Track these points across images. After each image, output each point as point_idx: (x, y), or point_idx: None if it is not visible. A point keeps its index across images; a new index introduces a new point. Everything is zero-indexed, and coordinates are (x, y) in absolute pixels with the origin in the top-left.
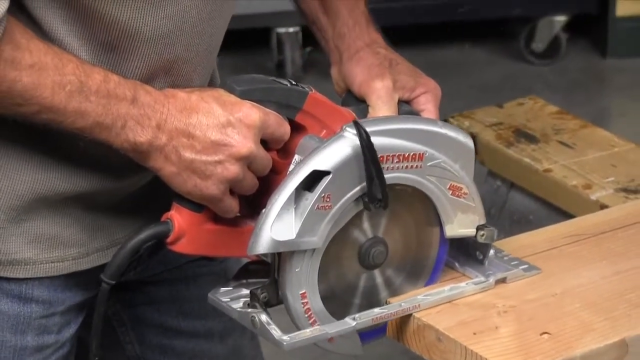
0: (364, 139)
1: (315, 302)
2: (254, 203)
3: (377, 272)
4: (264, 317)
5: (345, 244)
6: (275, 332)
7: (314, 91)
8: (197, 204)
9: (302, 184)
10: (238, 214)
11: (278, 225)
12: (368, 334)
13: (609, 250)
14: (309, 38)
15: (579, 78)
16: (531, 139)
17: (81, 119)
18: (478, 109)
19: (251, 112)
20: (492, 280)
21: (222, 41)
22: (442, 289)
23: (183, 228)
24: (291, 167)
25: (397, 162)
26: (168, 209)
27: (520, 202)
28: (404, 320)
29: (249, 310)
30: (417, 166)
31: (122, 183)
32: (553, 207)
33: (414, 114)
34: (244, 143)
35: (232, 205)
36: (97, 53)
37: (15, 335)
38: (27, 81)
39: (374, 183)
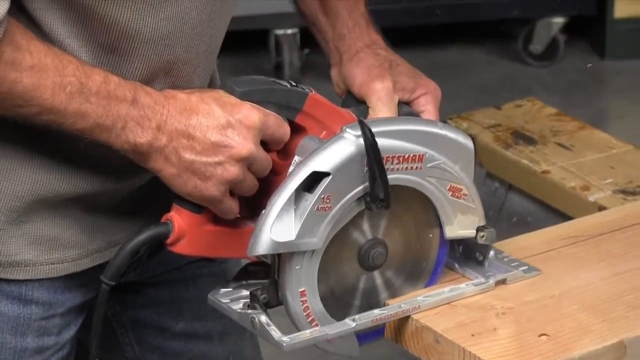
0: (369, 138)
1: (315, 303)
2: (253, 204)
3: (376, 274)
4: (263, 318)
5: (345, 245)
6: (275, 333)
7: (313, 92)
8: (197, 205)
9: (302, 185)
10: (238, 215)
11: (278, 227)
12: (365, 335)
13: (607, 252)
14: (307, 40)
15: (577, 80)
16: (529, 140)
17: (81, 120)
18: (476, 110)
19: (251, 113)
20: (492, 281)
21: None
22: (442, 290)
23: (183, 229)
24: (291, 168)
25: (397, 163)
26: (167, 210)
27: (519, 203)
28: (402, 321)
29: (249, 311)
30: (417, 167)
31: (122, 184)
32: (551, 209)
33: (414, 115)
34: (244, 144)
35: (232, 207)
36: (97, 54)
37: (15, 336)
38: (27, 82)
39: (377, 183)
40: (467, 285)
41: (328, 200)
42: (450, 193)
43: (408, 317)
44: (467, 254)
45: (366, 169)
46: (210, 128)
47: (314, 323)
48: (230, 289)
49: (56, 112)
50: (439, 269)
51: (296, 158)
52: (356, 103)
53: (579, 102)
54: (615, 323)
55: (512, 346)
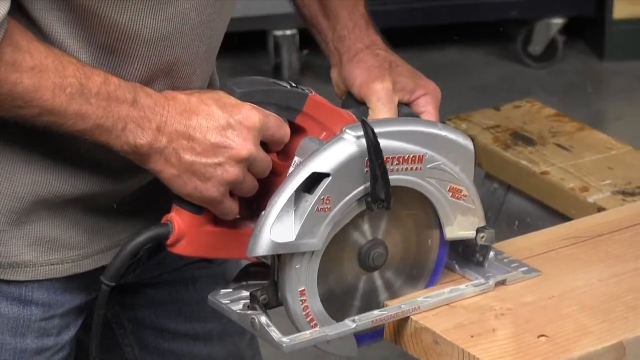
0: (371, 138)
1: (315, 304)
2: (253, 205)
3: (376, 274)
4: (263, 319)
5: (345, 246)
6: (275, 334)
7: (313, 93)
8: (197, 206)
9: (301, 186)
10: (238, 216)
11: (278, 227)
12: (364, 336)
13: (606, 253)
14: (306, 41)
15: (576, 80)
16: (528, 141)
17: (81, 121)
18: (475, 111)
19: (251, 114)
20: (491, 282)
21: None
22: (442, 291)
23: (183, 230)
24: (291, 169)
25: (397, 164)
26: (167, 210)
27: (518, 204)
28: (402, 323)
29: (249, 312)
30: (417, 168)
31: (122, 185)
32: (550, 210)
33: (414, 116)
34: (244, 145)
35: (232, 207)
36: (96, 55)
37: (15, 337)
38: (28, 83)
39: (378, 183)
40: (467, 286)
41: (328, 201)
42: (450, 194)
43: (407, 318)
44: (467, 255)
45: (366, 169)
46: (210, 129)
47: (314, 324)
48: (230, 290)
49: (56, 113)
50: (438, 270)
51: (296, 159)
52: (356, 104)
53: (578, 103)
54: (614, 324)
55: (511, 347)
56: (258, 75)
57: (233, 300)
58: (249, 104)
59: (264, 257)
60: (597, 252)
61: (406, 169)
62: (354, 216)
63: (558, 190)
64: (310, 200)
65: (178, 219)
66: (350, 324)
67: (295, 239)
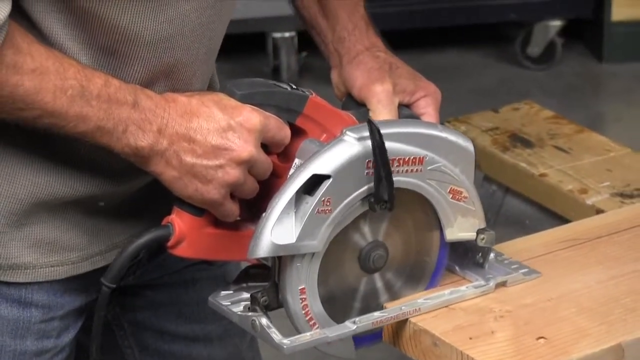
0: (377, 139)
1: (316, 305)
2: (254, 207)
3: (377, 276)
4: (264, 321)
5: (345, 248)
6: (276, 335)
7: (314, 95)
8: (197, 208)
9: (302, 187)
10: (238, 218)
11: (278, 229)
12: (363, 338)
13: (605, 255)
14: (305, 43)
15: (575, 83)
16: (527, 143)
17: (82, 123)
18: (474, 113)
19: (252, 116)
20: (492, 284)
21: None
22: (442, 293)
23: (184, 232)
24: (291, 171)
25: (397, 166)
26: (167, 212)
27: (516, 206)
28: (400, 325)
29: (250, 313)
30: (417, 170)
31: (122, 187)
32: (549, 212)
33: (414, 117)
34: (245, 147)
35: (232, 209)
36: (97, 57)
37: (15, 339)
38: (28, 85)
39: (382, 184)
40: (467, 287)
41: (328, 203)
42: (451, 195)
43: (406, 320)
44: (467, 257)
45: (366, 171)
46: (211, 131)
47: (314, 325)
48: (231, 292)
49: (57, 116)
50: (439, 272)
51: (296, 161)
52: (356, 106)
53: (576, 105)
54: (613, 326)
55: (509, 349)
56: (257, 77)
57: (234, 302)
58: (250, 105)
59: (265, 259)
60: (595, 254)
61: (407, 170)
62: (355, 218)
63: (556, 193)
64: (311, 202)
65: (179, 221)
66: (350, 326)
67: (296, 240)
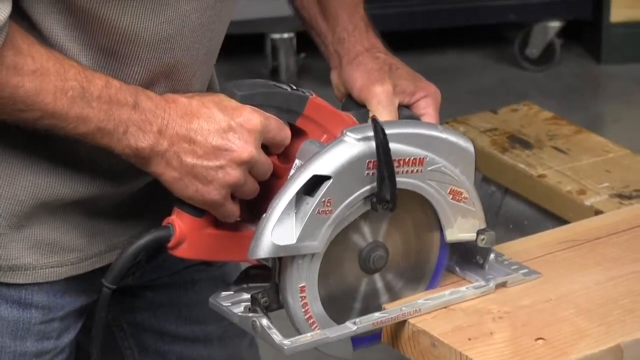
0: (381, 138)
1: (316, 306)
2: (254, 208)
3: (377, 277)
4: (264, 322)
5: (345, 248)
6: (277, 336)
7: (314, 96)
8: (198, 209)
9: (302, 188)
10: (239, 219)
11: (279, 230)
12: (361, 339)
13: (604, 256)
14: (304, 44)
15: (573, 84)
16: (525, 144)
17: (83, 124)
18: (472, 114)
19: (252, 117)
20: (492, 284)
21: None
22: (443, 293)
23: (184, 233)
24: (292, 171)
25: (397, 166)
26: (167, 212)
27: (515, 207)
28: (399, 326)
29: (250, 314)
30: (417, 171)
31: (122, 187)
32: (547, 213)
33: (414, 118)
34: (245, 148)
35: (233, 210)
36: (97, 58)
37: (15, 341)
38: (29, 87)
39: (385, 184)
40: (467, 288)
41: (329, 204)
42: (451, 196)
43: (405, 321)
44: (467, 257)
45: (367, 172)
46: (211, 132)
47: (315, 326)
48: (231, 293)
49: (58, 117)
50: (439, 272)
51: (297, 162)
52: (356, 106)
53: (575, 106)
54: (611, 327)
55: (508, 350)
56: (256, 79)
57: (234, 303)
58: (250, 106)
59: (265, 259)
60: (594, 255)
61: (407, 171)
62: (355, 218)
63: (555, 194)
64: (311, 202)
65: (179, 222)
66: (351, 326)
67: (296, 241)
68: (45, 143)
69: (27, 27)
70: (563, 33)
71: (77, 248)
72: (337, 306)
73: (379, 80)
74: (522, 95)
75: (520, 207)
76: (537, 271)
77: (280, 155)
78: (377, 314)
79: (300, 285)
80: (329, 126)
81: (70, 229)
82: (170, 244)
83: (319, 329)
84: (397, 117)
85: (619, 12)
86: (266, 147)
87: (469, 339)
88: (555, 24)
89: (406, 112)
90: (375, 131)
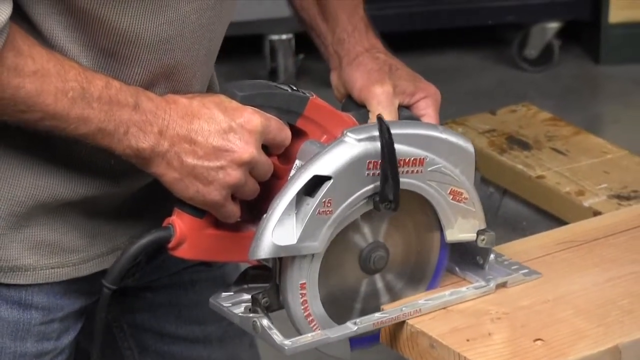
0: (386, 138)
1: (316, 307)
2: (255, 208)
3: (378, 277)
4: (265, 322)
5: (346, 249)
6: (277, 336)
7: (314, 96)
8: (198, 210)
9: (303, 189)
10: (239, 219)
11: (279, 231)
12: (360, 340)
13: (602, 257)
14: (302, 45)
15: (572, 85)
16: (524, 145)
17: (84, 125)
18: (471, 115)
19: (253, 118)
20: (492, 284)
21: None
22: (443, 294)
23: (184, 233)
24: (292, 172)
25: (398, 167)
26: (167, 213)
27: (514, 208)
28: (397, 327)
29: (251, 315)
30: (418, 171)
31: (122, 188)
32: (546, 214)
33: (414, 119)
34: (246, 148)
35: (233, 211)
36: (97, 59)
37: (14, 341)
38: (30, 88)
39: (388, 183)
40: (467, 288)
41: (329, 204)
42: (451, 197)
43: (403, 322)
44: (467, 258)
45: (367, 172)
46: (212, 133)
47: (315, 326)
48: (232, 293)
49: (59, 118)
50: (439, 273)
51: (297, 162)
52: (356, 107)
53: (573, 107)
54: (610, 328)
55: (507, 351)
56: (256, 79)
57: (234, 304)
58: (250, 107)
59: (266, 260)
60: (592, 256)
61: (407, 171)
62: (355, 219)
63: (554, 195)
64: (312, 203)
65: (180, 223)
66: (352, 327)
67: (297, 242)
68: (46, 144)
69: (27, 29)
70: (562, 34)
71: (78, 249)
72: (338, 306)
73: (379, 81)
74: (521, 96)
75: (518, 208)
76: (537, 271)
77: (280, 156)
78: (377, 314)
79: (300, 285)
80: (329, 127)
81: (70, 229)
82: (170, 245)
83: (319, 329)
84: (397, 118)
85: (618, 12)
86: (266, 148)
87: (468, 340)
88: (553, 25)
89: (406, 113)
90: (381, 130)
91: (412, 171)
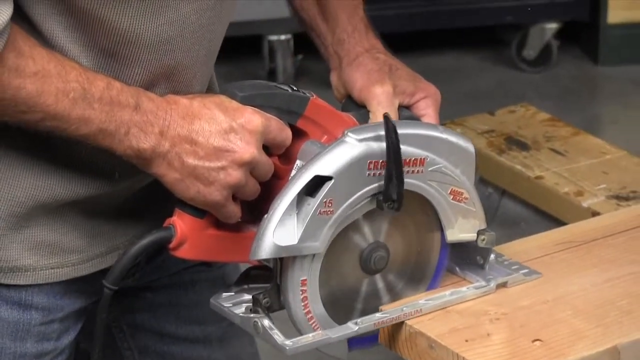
0: (392, 137)
1: (317, 307)
2: (256, 208)
3: (378, 277)
4: (266, 322)
5: (346, 249)
6: (278, 337)
7: (315, 97)
8: (199, 210)
9: (304, 189)
10: (240, 220)
11: (280, 231)
12: (359, 340)
13: (601, 258)
14: (301, 46)
15: (571, 85)
16: (523, 146)
17: (85, 125)
18: (470, 116)
19: (253, 118)
20: (492, 284)
21: None
22: (443, 294)
23: (185, 234)
24: (293, 172)
25: None
26: (167, 213)
27: (512, 209)
28: (396, 327)
29: (252, 315)
30: (418, 171)
31: (123, 188)
32: (545, 214)
33: (415, 119)
34: (247, 149)
35: (234, 211)
36: (98, 60)
37: (15, 342)
38: (31, 88)
39: (392, 183)
40: (468, 288)
41: (330, 204)
42: (452, 197)
43: (402, 322)
44: (468, 258)
45: (368, 172)
46: (212, 133)
47: (316, 326)
48: (232, 293)
49: (60, 118)
50: (440, 273)
51: (298, 162)
52: (356, 107)
53: (572, 107)
54: (609, 328)
55: (505, 351)
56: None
57: (235, 304)
58: (251, 107)
59: (267, 260)
60: (591, 256)
61: (408, 172)
62: (356, 219)
63: (552, 195)
64: (313, 203)
65: (180, 223)
66: (352, 327)
67: (298, 242)
68: (47, 145)
69: (27, 29)
70: (560, 34)
71: (78, 249)
72: (338, 306)
73: (379, 81)
74: (520, 96)
75: (517, 208)
76: (537, 271)
77: (281, 156)
78: (378, 314)
79: (301, 285)
80: (329, 127)
81: (70, 230)
82: (171, 245)
83: (319, 329)
84: (397, 118)
85: (616, 13)
86: (267, 148)
87: (466, 341)
88: (552, 26)
89: (406, 113)
90: (387, 130)
91: (413, 171)
